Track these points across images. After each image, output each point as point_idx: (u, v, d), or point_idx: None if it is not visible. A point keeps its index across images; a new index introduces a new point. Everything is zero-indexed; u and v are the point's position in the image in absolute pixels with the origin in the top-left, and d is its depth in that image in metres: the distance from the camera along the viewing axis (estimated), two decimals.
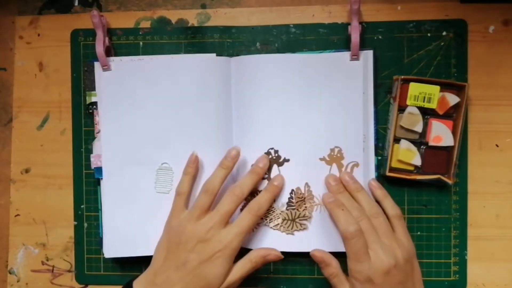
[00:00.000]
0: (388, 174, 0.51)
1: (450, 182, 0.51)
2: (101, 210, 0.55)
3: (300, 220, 0.53)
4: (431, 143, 0.51)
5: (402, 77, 0.51)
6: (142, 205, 0.54)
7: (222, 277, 0.47)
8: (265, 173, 0.53)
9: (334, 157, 0.53)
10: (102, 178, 0.55)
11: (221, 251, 0.47)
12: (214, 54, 0.54)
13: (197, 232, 0.47)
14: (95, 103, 0.55)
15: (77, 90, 0.57)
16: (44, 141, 0.57)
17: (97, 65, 0.55)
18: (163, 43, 0.56)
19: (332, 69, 0.52)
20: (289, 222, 0.53)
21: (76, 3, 0.57)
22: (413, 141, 0.51)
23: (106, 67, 0.54)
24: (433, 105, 0.51)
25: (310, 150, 0.53)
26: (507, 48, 0.53)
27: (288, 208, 0.53)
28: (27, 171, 0.58)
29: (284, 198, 0.53)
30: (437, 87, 0.51)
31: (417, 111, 0.51)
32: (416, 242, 0.53)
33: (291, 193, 0.53)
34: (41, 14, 0.57)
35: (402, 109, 0.51)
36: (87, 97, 0.56)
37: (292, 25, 0.55)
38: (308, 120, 0.53)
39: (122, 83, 0.54)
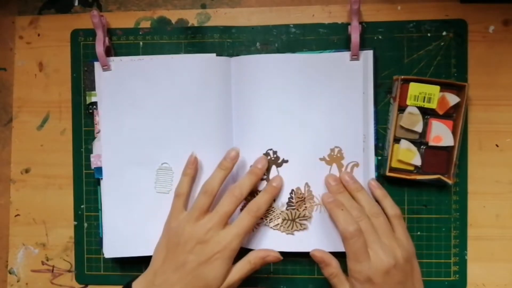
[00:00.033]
0: (388, 174, 0.51)
1: (450, 182, 0.51)
2: (101, 210, 0.55)
3: (300, 220, 0.53)
4: (431, 143, 0.51)
5: (402, 77, 0.51)
6: (142, 205, 0.54)
7: (221, 278, 0.47)
8: (264, 174, 0.53)
9: (334, 157, 0.53)
10: (102, 178, 0.55)
11: (220, 252, 0.47)
12: (214, 54, 0.54)
13: (196, 233, 0.47)
14: (95, 103, 0.55)
15: (77, 90, 0.57)
16: (44, 141, 0.57)
17: (97, 65, 0.55)
18: (163, 43, 0.56)
19: (332, 69, 0.52)
20: (289, 222, 0.53)
21: (76, 3, 0.57)
22: (413, 141, 0.51)
23: (106, 67, 0.54)
24: (433, 105, 0.51)
25: (310, 150, 0.53)
26: (507, 48, 0.53)
27: (288, 208, 0.53)
28: (27, 171, 0.58)
29: (284, 198, 0.53)
30: (437, 87, 0.51)
31: (417, 111, 0.51)
32: (416, 242, 0.53)
33: (291, 193, 0.53)
34: (41, 14, 0.57)
35: (402, 109, 0.51)
36: (87, 97, 0.56)
37: (292, 25, 0.55)
38: (308, 120, 0.53)
39: (122, 83, 0.54)
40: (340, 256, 0.49)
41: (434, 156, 0.52)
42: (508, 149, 0.53)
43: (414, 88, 0.51)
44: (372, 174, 0.53)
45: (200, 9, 0.56)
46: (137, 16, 0.56)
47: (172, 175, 0.54)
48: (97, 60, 0.54)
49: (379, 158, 0.53)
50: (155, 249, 0.50)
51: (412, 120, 0.51)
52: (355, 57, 0.52)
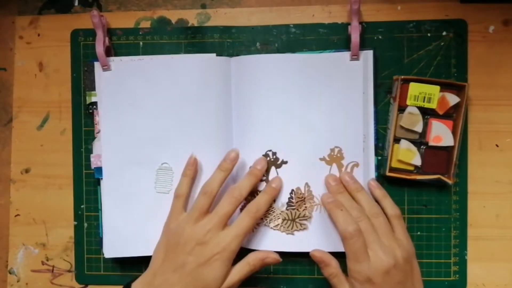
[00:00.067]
0: (388, 174, 0.51)
1: (450, 182, 0.51)
2: (101, 210, 0.55)
3: (300, 220, 0.53)
4: (431, 143, 0.51)
5: (402, 77, 0.51)
6: (142, 205, 0.54)
7: (220, 280, 0.47)
8: (263, 175, 0.53)
9: (334, 157, 0.53)
10: (102, 178, 0.55)
11: (219, 253, 0.47)
12: (214, 54, 0.54)
13: (195, 234, 0.47)
14: (95, 103, 0.55)
15: (77, 90, 0.57)
16: (44, 141, 0.57)
17: (97, 65, 0.55)
18: (163, 43, 0.56)
19: (332, 69, 0.52)
20: (289, 222, 0.53)
21: (76, 3, 0.57)
22: (413, 141, 0.51)
23: (106, 67, 0.54)
24: (433, 105, 0.51)
25: (310, 150, 0.53)
26: (507, 48, 0.53)
27: (288, 208, 0.53)
28: (27, 171, 0.58)
29: (284, 198, 0.53)
30: (437, 87, 0.51)
31: (417, 111, 0.51)
32: (416, 242, 0.53)
33: (291, 193, 0.53)
34: (41, 14, 0.57)
35: (402, 109, 0.51)
36: (87, 97, 0.56)
37: (292, 25, 0.55)
38: (308, 120, 0.53)
39: (122, 83, 0.54)
40: (340, 256, 0.49)
41: (434, 156, 0.51)
42: (508, 149, 0.53)
43: (414, 88, 0.51)
44: (372, 174, 0.53)
45: (200, 9, 0.56)
46: (137, 16, 0.56)
47: (172, 175, 0.54)
48: (97, 60, 0.54)
49: (379, 158, 0.53)
50: (154, 250, 0.50)
51: (412, 120, 0.51)
52: (355, 57, 0.52)
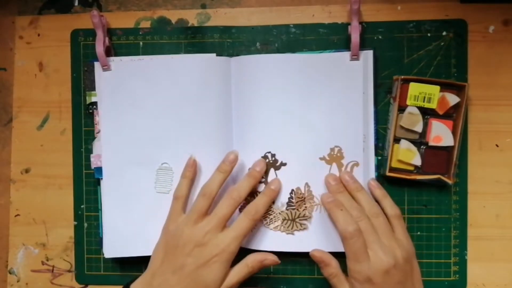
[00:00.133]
0: (388, 174, 0.51)
1: (450, 182, 0.51)
2: (101, 210, 0.55)
3: (300, 220, 0.53)
4: (431, 143, 0.51)
5: (402, 77, 0.51)
6: (142, 205, 0.54)
7: (219, 281, 0.47)
8: (262, 177, 0.53)
9: (334, 157, 0.53)
10: (102, 178, 0.55)
11: (218, 255, 0.47)
12: (214, 54, 0.54)
13: (194, 236, 0.47)
14: (95, 103, 0.55)
15: (77, 90, 0.57)
16: (44, 141, 0.57)
17: (97, 65, 0.55)
18: (163, 43, 0.56)
19: (332, 69, 0.52)
20: (289, 222, 0.53)
21: (76, 3, 0.57)
22: (413, 141, 0.51)
23: (106, 67, 0.54)
24: (433, 105, 0.51)
25: (310, 150, 0.53)
26: (507, 48, 0.53)
27: (288, 208, 0.53)
28: (27, 171, 0.58)
29: (284, 198, 0.53)
30: (437, 87, 0.51)
31: (417, 111, 0.51)
32: (416, 242, 0.53)
33: (291, 193, 0.53)
34: (41, 14, 0.57)
35: (402, 109, 0.51)
36: (87, 97, 0.56)
37: (292, 25, 0.55)
38: (308, 120, 0.53)
39: (122, 83, 0.54)
40: (340, 256, 0.49)
41: (434, 156, 0.51)
42: (508, 149, 0.53)
43: (414, 88, 0.51)
44: (372, 174, 0.53)
45: (200, 9, 0.56)
46: (137, 16, 0.56)
47: (172, 175, 0.54)
48: (97, 60, 0.54)
49: (379, 158, 0.53)
50: (153, 251, 0.50)
51: (412, 120, 0.51)
52: (355, 57, 0.52)
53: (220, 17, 0.56)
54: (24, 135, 0.58)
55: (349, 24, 0.53)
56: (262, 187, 0.53)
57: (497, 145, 0.54)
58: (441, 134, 0.51)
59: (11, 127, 0.58)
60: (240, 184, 0.51)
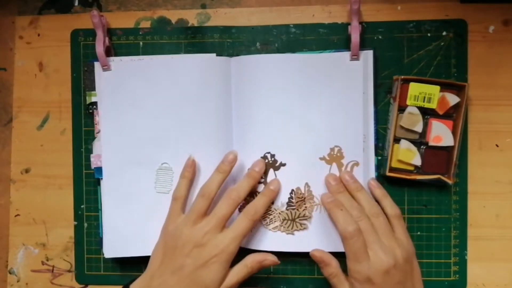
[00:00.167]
0: (388, 174, 0.51)
1: (450, 182, 0.51)
2: (101, 210, 0.55)
3: (300, 220, 0.53)
4: (431, 143, 0.51)
5: (402, 77, 0.51)
6: (142, 205, 0.54)
7: (218, 282, 0.47)
8: (262, 177, 0.53)
9: (334, 157, 0.53)
10: (102, 178, 0.55)
11: (217, 256, 0.47)
12: (214, 54, 0.54)
13: (193, 236, 0.47)
14: (95, 103, 0.55)
15: (77, 90, 0.57)
16: (44, 141, 0.57)
17: (97, 65, 0.55)
18: (163, 43, 0.56)
19: (332, 69, 0.52)
20: (289, 222, 0.53)
21: (76, 3, 0.57)
22: (413, 141, 0.51)
23: (106, 67, 0.54)
24: (433, 105, 0.51)
25: (310, 150, 0.53)
26: (507, 48, 0.53)
27: (288, 208, 0.53)
28: (27, 171, 0.58)
29: (284, 198, 0.53)
30: (437, 87, 0.51)
31: (417, 111, 0.51)
32: (416, 242, 0.53)
33: (291, 193, 0.53)
34: (41, 14, 0.57)
35: (402, 109, 0.51)
36: (87, 97, 0.56)
37: (292, 25, 0.55)
38: (308, 120, 0.53)
39: (122, 83, 0.54)
40: (340, 256, 0.49)
41: (434, 156, 0.51)
42: (508, 149, 0.53)
43: (414, 88, 0.51)
44: (372, 174, 0.53)
45: (200, 9, 0.56)
46: (137, 16, 0.56)
47: (172, 175, 0.54)
48: (97, 60, 0.54)
49: (379, 158, 0.53)
50: (152, 252, 0.50)
51: (412, 120, 0.51)
52: (355, 57, 0.52)
53: (220, 17, 0.56)
54: (24, 135, 0.58)
55: (349, 24, 0.53)
56: (261, 188, 0.53)
57: (497, 145, 0.54)
58: (441, 134, 0.51)
59: (11, 127, 0.58)
60: (239, 185, 0.51)
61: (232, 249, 0.47)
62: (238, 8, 0.56)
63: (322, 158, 0.53)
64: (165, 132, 0.54)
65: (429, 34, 0.54)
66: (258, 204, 0.50)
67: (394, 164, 0.52)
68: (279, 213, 0.53)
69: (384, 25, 0.54)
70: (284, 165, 0.53)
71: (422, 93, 0.51)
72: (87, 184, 0.57)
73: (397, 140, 0.52)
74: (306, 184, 0.53)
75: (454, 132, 0.51)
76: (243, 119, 0.54)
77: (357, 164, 0.52)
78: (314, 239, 0.52)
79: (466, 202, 0.53)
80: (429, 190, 0.54)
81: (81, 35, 0.57)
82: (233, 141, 0.54)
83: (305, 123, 0.53)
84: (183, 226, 0.48)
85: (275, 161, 0.53)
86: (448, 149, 0.51)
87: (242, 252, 0.49)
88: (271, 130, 0.53)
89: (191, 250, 0.47)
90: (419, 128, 0.51)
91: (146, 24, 0.56)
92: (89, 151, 0.56)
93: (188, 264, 0.47)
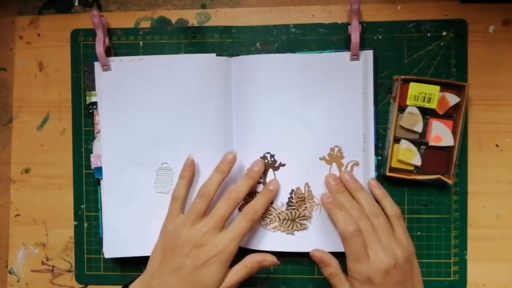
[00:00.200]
0: (388, 174, 0.51)
1: (450, 182, 0.51)
2: (101, 210, 0.55)
3: (300, 220, 0.53)
4: (431, 143, 0.51)
5: (402, 77, 0.51)
6: (142, 205, 0.54)
7: (217, 282, 0.47)
8: (261, 178, 0.53)
9: (334, 157, 0.53)
10: (102, 178, 0.55)
11: (217, 256, 0.47)
12: (214, 54, 0.54)
13: (192, 237, 0.47)
14: (95, 103, 0.55)
15: (77, 90, 0.57)
16: (44, 141, 0.57)
17: (97, 65, 0.55)
18: (163, 43, 0.56)
19: (332, 69, 0.52)
20: (289, 222, 0.53)
21: (76, 3, 0.57)
22: (413, 141, 0.51)
23: (106, 67, 0.54)
24: (433, 105, 0.51)
25: (310, 150, 0.53)
26: (507, 48, 0.53)
27: (288, 208, 0.53)
28: (27, 171, 0.58)
29: (284, 198, 0.53)
30: (437, 87, 0.51)
31: (417, 111, 0.51)
32: (416, 242, 0.53)
33: (291, 193, 0.53)
34: (41, 14, 0.57)
35: (402, 109, 0.51)
36: (87, 97, 0.56)
37: (292, 25, 0.55)
38: (308, 120, 0.53)
39: (122, 83, 0.54)
40: (340, 256, 0.49)
41: (434, 156, 0.51)
42: (508, 149, 0.53)
43: (414, 88, 0.51)
44: (372, 174, 0.53)
45: (200, 9, 0.56)
46: (137, 16, 0.56)
47: (172, 175, 0.54)
48: (97, 60, 0.54)
49: (379, 158, 0.53)
50: (151, 252, 0.50)
51: (412, 120, 0.51)
52: (355, 57, 0.52)
53: (220, 17, 0.56)
54: (24, 135, 0.58)
55: (349, 24, 0.53)
56: (260, 188, 0.53)
57: (497, 145, 0.54)
58: (441, 134, 0.51)
59: (11, 127, 0.58)
60: (238, 185, 0.50)
61: (231, 249, 0.47)
62: (238, 8, 0.56)
63: (322, 158, 0.53)
64: (165, 132, 0.54)
65: (429, 34, 0.54)
66: (257, 204, 0.50)
67: (394, 164, 0.52)
68: (279, 213, 0.53)
69: (384, 25, 0.54)
70: (283, 165, 0.53)
71: (422, 93, 0.51)
72: (87, 184, 0.57)
73: (397, 140, 0.52)
74: (306, 184, 0.53)
75: (454, 132, 0.51)
76: (243, 119, 0.54)
77: (357, 164, 0.52)
78: (314, 239, 0.52)
79: (466, 202, 0.53)
80: (429, 190, 0.54)
81: (81, 35, 0.57)
82: (233, 141, 0.54)
83: (305, 123, 0.53)
84: (182, 226, 0.48)
85: (275, 161, 0.53)
86: (448, 149, 0.51)
87: (242, 252, 0.49)
88: (271, 130, 0.53)
89: (190, 250, 0.47)
90: (419, 128, 0.51)
91: (146, 24, 0.56)
92: (89, 151, 0.56)
93: (187, 264, 0.47)
